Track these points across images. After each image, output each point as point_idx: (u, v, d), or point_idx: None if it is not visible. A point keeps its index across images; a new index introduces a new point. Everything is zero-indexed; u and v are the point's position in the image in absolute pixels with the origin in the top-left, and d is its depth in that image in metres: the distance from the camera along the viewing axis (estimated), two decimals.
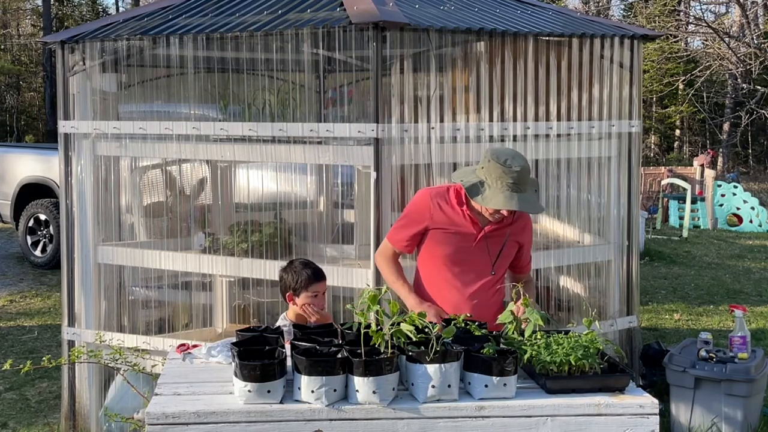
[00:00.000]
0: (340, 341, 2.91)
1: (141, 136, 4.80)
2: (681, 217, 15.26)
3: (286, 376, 2.69)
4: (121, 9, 35.76)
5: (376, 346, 2.73)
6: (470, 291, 3.60)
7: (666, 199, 16.49)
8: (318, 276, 3.79)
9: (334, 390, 2.62)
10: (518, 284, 3.32)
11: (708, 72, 22.97)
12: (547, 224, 5.31)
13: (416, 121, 4.34)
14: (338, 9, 4.33)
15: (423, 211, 3.60)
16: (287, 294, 3.83)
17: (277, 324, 3.75)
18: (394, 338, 2.74)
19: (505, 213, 3.47)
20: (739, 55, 19.89)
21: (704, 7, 24.36)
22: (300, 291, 3.77)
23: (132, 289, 5.19)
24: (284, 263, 3.97)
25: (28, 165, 10.60)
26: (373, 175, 4.25)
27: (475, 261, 3.59)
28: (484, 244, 3.58)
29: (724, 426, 4.78)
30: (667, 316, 8.15)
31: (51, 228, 10.02)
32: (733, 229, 15.66)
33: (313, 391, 2.60)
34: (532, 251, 4.77)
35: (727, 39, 19.87)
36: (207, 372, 3.00)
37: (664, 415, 4.90)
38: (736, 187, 16.54)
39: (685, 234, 13.74)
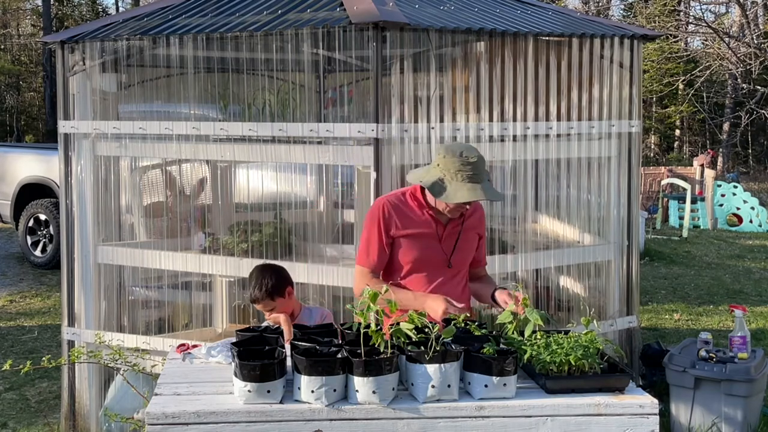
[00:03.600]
0: (340, 341, 2.91)
1: (141, 136, 4.81)
2: (681, 217, 15.26)
3: (285, 376, 2.69)
4: (121, 9, 35.76)
5: (376, 346, 2.73)
6: (436, 290, 3.46)
7: (666, 199, 16.48)
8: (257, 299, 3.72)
9: (334, 390, 2.62)
10: (519, 286, 3.30)
11: (708, 72, 22.97)
12: (547, 224, 5.31)
13: (416, 121, 4.34)
14: (338, 9, 4.33)
15: (386, 221, 3.43)
16: None
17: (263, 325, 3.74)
18: (394, 338, 2.74)
19: (468, 207, 3.41)
20: (739, 55, 19.88)
21: (704, 7, 24.37)
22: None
23: (132, 289, 5.19)
24: (284, 263, 3.96)
25: (28, 165, 10.60)
26: (373, 175, 4.25)
27: (437, 260, 3.49)
28: (447, 242, 3.50)
29: (724, 426, 4.78)
30: (667, 316, 8.15)
31: (51, 228, 10.01)
32: (733, 229, 15.66)
33: (313, 391, 2.60)
34: (532, 251, 4.83)
35: (727, 39, 19.87)
36: (207, 372, 3.00)
37: (664, 415, 4.90)
38: (736, 187, 16.55)
39: (685, 234, 13.74)
